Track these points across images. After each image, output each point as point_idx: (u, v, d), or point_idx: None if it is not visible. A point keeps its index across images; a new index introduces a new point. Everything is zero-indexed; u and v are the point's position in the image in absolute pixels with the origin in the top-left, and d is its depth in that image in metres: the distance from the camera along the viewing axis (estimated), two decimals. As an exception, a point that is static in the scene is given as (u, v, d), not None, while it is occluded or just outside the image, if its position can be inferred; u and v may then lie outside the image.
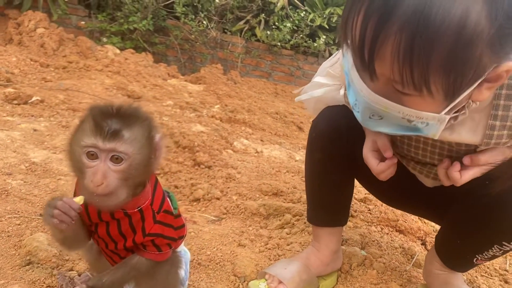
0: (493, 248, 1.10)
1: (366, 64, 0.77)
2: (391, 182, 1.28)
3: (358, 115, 0.91)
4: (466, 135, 0.96)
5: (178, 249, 1.14)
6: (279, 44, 5.77)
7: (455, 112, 0.85)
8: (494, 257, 1.14)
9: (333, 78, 1.28)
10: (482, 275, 1.61)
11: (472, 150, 1.01)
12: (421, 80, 0.73)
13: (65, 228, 0.87)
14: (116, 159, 0.85)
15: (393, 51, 0.71)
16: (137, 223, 0.96)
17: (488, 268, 1.68)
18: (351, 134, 1.22)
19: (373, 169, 1.11)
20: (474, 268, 1.66)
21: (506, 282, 1.59)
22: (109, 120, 0.84)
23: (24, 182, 1.69)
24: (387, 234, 1.78)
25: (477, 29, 0.69)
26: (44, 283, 1.15)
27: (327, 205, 1.36)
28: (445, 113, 0.81)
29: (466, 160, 0.99)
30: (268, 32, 5.72)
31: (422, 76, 0.73)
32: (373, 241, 1.66)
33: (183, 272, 1.15)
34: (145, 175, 0.94)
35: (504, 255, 1.82)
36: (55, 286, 1.16)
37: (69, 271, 1.23)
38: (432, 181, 1.24)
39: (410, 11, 0.68)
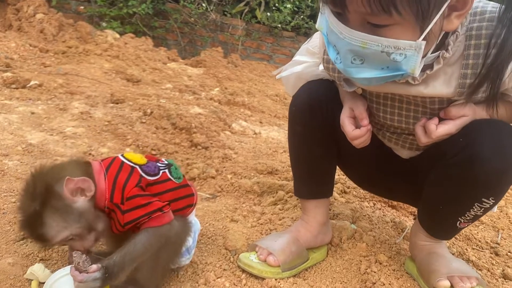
0: (474, 208, 1.11)
1: (337, 4, 0.86)
2: (368, 161, 1.34)
3: (340, 66, 0.97)
4: (440, 87, 1.03)
5: (190, 218, 1.19)
6: (279, 26, 5.73)
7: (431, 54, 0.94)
8: (476, 217, 1.15)
9: (312, 56, 1.32)
10: (473, 248, 1.63)
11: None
12: (388, 2, 0.80)
13: None
14: (68, 240, 0.98)
15: None
16: (113, 216, 1.04)
17: (479, 241, 1.69)
18: (330, 105, 1.26)
19: (348, 135, 1.16)
20: (466, 241, 1.68)
21: (496, 254, 1.61)
22: (29, 230, 0.95)
23: (21, 162, 1.73)
24: (379, 209, 1.80)
25: None
26: (38, 256, 1.18)
27: (311, 177, 1.39)
28: (422, 39, 0.87)
29: (441, 113, 1.08)
30: (269, 14, 5.68)
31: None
32: (364, 215, 1.68)
33: (191, 240, 1.18)
34: (92, 214, 1.01)
35: (496, 230, 1.84)
36: (49, 259, 1.19)
37: (63, 245, 1.26)
38: (408, 151, 1.27)
39: None
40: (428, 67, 1.01)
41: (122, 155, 1.12)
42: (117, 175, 1.04)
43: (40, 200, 0.93)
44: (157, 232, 1.04)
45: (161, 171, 1.12)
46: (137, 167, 1.08)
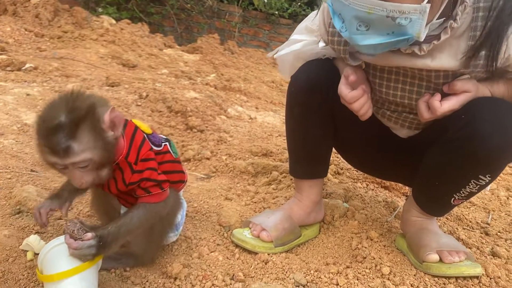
0: (470, 184, 1.13)
1: None
2: (365, 141, 1.36)
3: (346, 34, 0.98)
4: (446, 60, 1.04)
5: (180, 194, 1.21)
6: (276, 12, 5.71)
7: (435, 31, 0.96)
8: (470, 194, 1.17)
9: (310, 33, 1.31)
10: (464, 228, 1.65)
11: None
12: None
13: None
14: (80, 167, 0.93)
15: None
16: (118, 175, 1.04)
17: (470, 221, 1.72)
18: (331, 86, 1.24)
19: (345, 98, 1.16)
20: (456, 222, 1.71)
21: (486, 234, 1.63)
22: (56, 138, 0.88)
23: (16, 141, 1.73)
24: (372, 190, 1.82)
25: None
26: (33, 229, 1.20)
27: (307, 158, 1.39)
28: (426, 2, 0.87)
29: (445, 87, 1.08)
30: (266, 1, 5.66)
31: None
32: (357, 195, 1.70)
33: (179, 217, 1.21)
34: (109, 156, 0.99)
35: (487, 211, 1.86)
36: (44, 232, 1.20)
37: (58, 219, 1.28)
38: (407, 130, 1.28)
39: None
40: (435, 37, 1.02)
41: (131, 121, 1.13)
42: (133, 136, 1.05)
43: (79, 114, 0.90)
44: (154, 208, 1.06)
45: (162, 143, 1.15)
46: (145, 135, 1.10)
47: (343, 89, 1.17)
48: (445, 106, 1.07)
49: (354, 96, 1.15)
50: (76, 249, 0.91)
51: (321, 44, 1.28)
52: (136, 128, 1.08)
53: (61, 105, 0.91)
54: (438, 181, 1.19)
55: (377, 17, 0.90)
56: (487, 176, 1.10)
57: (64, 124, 0.88)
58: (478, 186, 1.13)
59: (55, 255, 0.95)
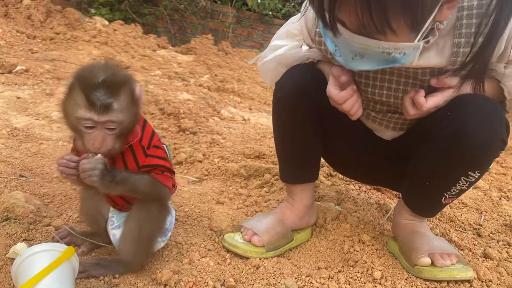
0: (460, 182, 1.13)
1: (328, 25, 0.89)
2: (350, 145, 1.36)
3: (340, 59, 1.00)
4: (434, 58, 1.06)
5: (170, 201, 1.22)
6: (270, 13, 5.71)
7: (425, 37, 0.96)
8: (461, 192, 1.17)
9: (292, 38, 1.30)
10: (456, 230, 1.65)
11: None
12: (382, 23, 0.82)
13: (74, 179, 1.02)
14: (109, 128, 0.95)
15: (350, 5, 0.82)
16: (129, 158, 1.06)
17: (462, 223, 1.72)
18: (318, 89, 1.24)
19: (335, 98, 1.16)
20: (449, 223, 1.71)
21: (479, 235, 1.63)
22: (98, 93, 0.91)
23: (5, 146, 1.71)
24: (365, 192, 1.82)
25: None
26: (21, 236, 1.18)
27: (297, 163, 1.38)
28: (418, 40, 0.91)
29: (433, 81, 1.10)
30: (259, 1, 5.65)
31: (382, 18, 0.81)
32: (349, 197, 1.70)
33: (168, 222, 1.20)
34: (134, 125, 1.03)
35: (480, 212, 1.86)
36: (32, 239, 1.19)
37: (47, 226, 1.27)
38: (392, 132, 1.28)
39: None
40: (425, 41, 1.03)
41: None
42: (144, 125, 1.09)
43: (121, 79, 0.96)
44: (159, 186, 1.09)
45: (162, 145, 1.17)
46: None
47: (332, 90, 1.17)
48: (431, 102, 1.09)
49: (344, 97, 1.15)
50: (85, 163, 0.93)
51: (305, 47, 1.28)
52: (146, 120, 1.12)
53: (102, 67, 0.95)
54: (428, 182, 1.19)
55: (372, 52, 0.92)
56: (476, 172, 1.12)
57: (108, 82, 0.92)
58: (468, 183, 1.14)
59: (38, 259, 0.94)
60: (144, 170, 1.06)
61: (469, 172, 1.11)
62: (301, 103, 1.27)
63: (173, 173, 1.17)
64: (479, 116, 1.05)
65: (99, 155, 0.95)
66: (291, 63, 1.31)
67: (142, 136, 1.07)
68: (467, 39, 1.02)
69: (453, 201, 1.81)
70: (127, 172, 1.04)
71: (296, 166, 1.39)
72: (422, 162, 1.19)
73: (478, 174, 1.12)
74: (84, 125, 0.93)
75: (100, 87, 0.91)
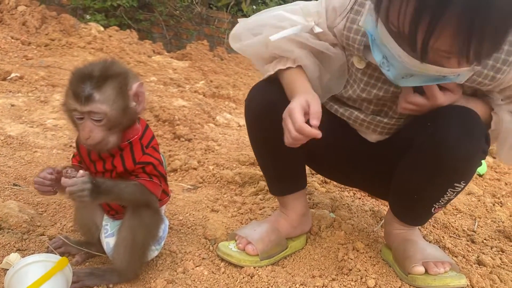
0: (447, 193, 1.15)
1: (418, 52, 0.87)
2: (334, 149, 1.36)
3: (388, 74, 1.00)
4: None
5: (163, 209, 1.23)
6: (265, 19, 5.71)
7: None
8: (449, 201, 1.20)
9: (305, 16, 1.20)
10: (450, 236, 1.66)
11: None
12: (477, 54, 0.86)
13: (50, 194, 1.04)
14: (95, 119, 0.98)
15: (452, 37, 0.83)
16: (127, 155, 1.08)
17: (456, 229, 1.72)
18: (286, 101, 1.13)
19: (296, 124, 1.04)
20: (443, 229, 1.71)
21: (473, 242, 1.64)
22: (84, 84, 0.96)
23: (-1, 154, 1.71)
24: (359, 198, 1.82)
25: None
26: (14, 246, 1.18)
27: (282, 176, 1.38)
28: (475, 65, 0.94)
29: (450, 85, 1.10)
30: (255, 7, 5.67)
31: (477, 49, 0.84)
32: (344, 204, 1.70)
33: (161, 231, 1.20)
34: (128, 120, 1.04)
35: (473, 218, 1.87)
36: (26, 249, 1.19)
37: (40, 236, 1.26)
38: (378, 136, 1.30)
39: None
40: None
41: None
42: (146, 128, 1.13)
43: (111, 73, 0.98)
44: (146, 193, 1.09)
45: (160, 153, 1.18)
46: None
47: (298, 115, 1.04)
48: (447, 96, 1.10)
49: (307, 132, 1.04)
50: (72, 185, 0.92)
51: (318, 29, 1.19)
52: (147, 125, 1.15)
53: (99, 64, 1.00)
54: (416, 195, 1.20)
55: (427, 73, 0.94)
56: (462, 183, 1.14)
57: (94, 75, 0.96)
58: (455, 192, 1.17)
59: (31, 271, 0.93)
60: (138, 167, 1.07)
61: (455, 184, 1.13)
62: (273, 120, 1.18)
63: (165, 179, 1.17)
64: (459, 128, 1.06)
65: (81, 172, 0.95)
66: (291, 47, 1.21)
67: (143, 135, 1.10)
68: (495, 62, 1.03)
69: (446, 208, 1.83)
70: (112, 181, 1.05)
71: (281, 179, 1.39)
72: (407, 179, 1.21)
73: (464, 184, 1.14)
74: (75, 116, 0.99)
75: (86, 79, 0.96)
